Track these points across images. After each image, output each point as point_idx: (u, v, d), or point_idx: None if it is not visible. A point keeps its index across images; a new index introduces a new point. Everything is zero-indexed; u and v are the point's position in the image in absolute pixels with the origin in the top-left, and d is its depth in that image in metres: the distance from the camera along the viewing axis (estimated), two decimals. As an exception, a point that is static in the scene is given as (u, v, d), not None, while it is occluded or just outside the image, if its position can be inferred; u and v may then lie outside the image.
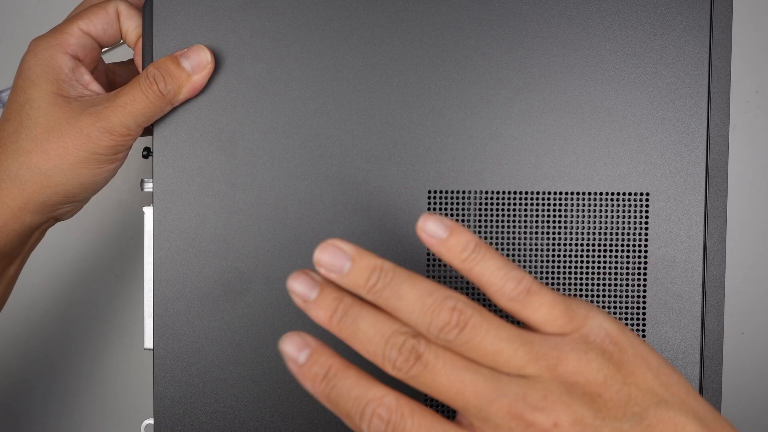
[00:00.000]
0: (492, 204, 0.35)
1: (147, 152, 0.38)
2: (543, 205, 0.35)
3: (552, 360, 0.24)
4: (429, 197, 0.35)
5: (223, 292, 0.35)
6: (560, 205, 0.35)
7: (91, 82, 0.36)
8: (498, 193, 0.35)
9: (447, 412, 0.32)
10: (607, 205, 0.35)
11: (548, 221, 0.35)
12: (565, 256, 0.35)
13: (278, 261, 0.35)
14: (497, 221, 0.35)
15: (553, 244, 0.35)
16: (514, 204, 0.35)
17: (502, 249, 0.35)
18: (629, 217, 0.35)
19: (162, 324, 0.35)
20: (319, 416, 0.35)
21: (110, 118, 0.34)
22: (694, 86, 0.35)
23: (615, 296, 0.35)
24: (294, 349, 0.25)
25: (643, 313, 0.35)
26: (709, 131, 0.35)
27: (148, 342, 0.36)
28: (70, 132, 0.34)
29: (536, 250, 0.35)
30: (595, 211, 0.35)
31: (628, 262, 0.35)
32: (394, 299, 0.25)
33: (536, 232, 0.35)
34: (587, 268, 0.35)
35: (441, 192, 0.35)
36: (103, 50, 0.51)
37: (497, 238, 0.35)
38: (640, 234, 0.35)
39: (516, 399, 0.24)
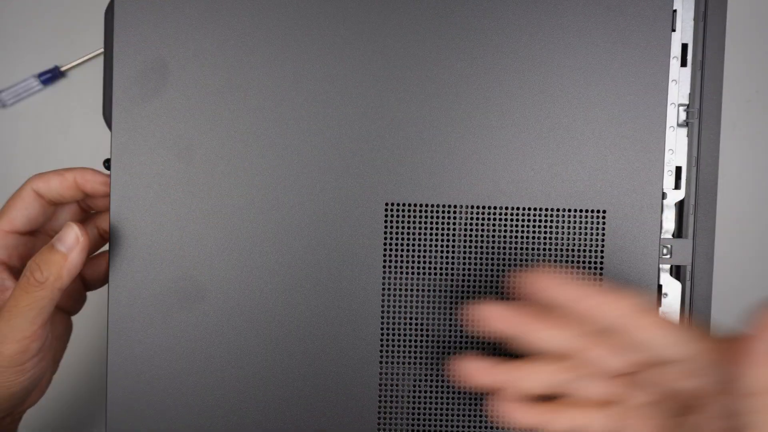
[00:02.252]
0: (448, 218, 0.35)
1: (108, 164, 0.38)
2: (499, 220, 0.35)
3: None
4: (386, 209, 0.35)
5: (178, 300, 0.35)
6: (516, 220, 0.35)
7: (9, 288, 0.36)
8: (455, 207, 0.35)
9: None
10: (563, 222, 0.35)
11: (504, 236, 0.35)
12: (521, 271, 0.35)
13: (233, 270, 0.35)
14: (454, 235, 0.35)
15: (509, 260, 0.35)
16: (471, 218, 0.35)
17: (459, 263, 0.35)
18: (586, 234, 0.35)
19: (116, 331, 0.36)
20: (271, 425, 0.35)
21: (0, 327, 0.33)
22: (654, 104, 0.35)
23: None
24: None
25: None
26: (700, 147, 0.36)
27: None
28: None
29: (492, 265, 0.35)
30: (551, 227, 0.35)
31: (583, 279, 0.35)
32: None
33: (492, 247, 0.35)
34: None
35: (398, 204, 0.35)
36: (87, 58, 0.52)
37: (454, 252, 0.35)
38: (596, 251, 0.35)
39: None
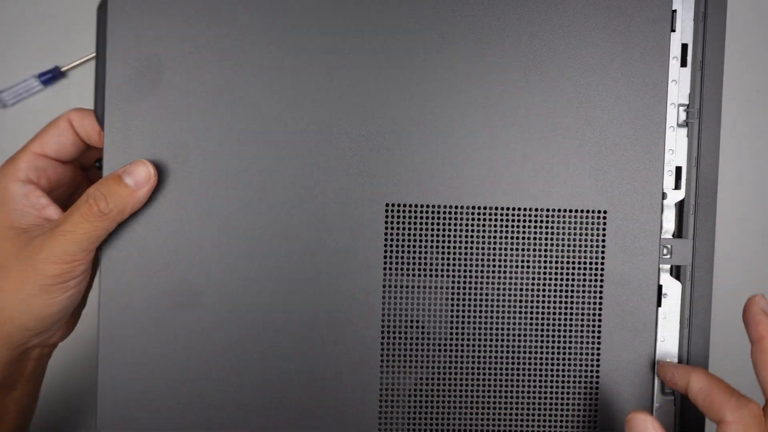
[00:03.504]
0: (449, 219, 0.35)
1: (100, 163, 0.37)
2: (500, 220, 0.35)
3: None
4: (387, 210, 0.35)
5: (173, 305, 0.35)
6: (519, 221, 0.35)
7: (46, 206, 0.36)
8: (456, 207, 0.35)
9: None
10: (565, 222, 0.35)
11: (505, 237, 0.35)
12: (522, 271, 0.35)
13: (230, 273, 0.35)
14: (455, 236, 0.35)
15: (511, 260, 0.35)
16: (472, 219, 0.35)
17: (460, 263, 0.35)
18: (587, 234, 0.35)
19: (107, 337, 0.35)
20: (272, 427, 0.35)
21: (53, 248, 0.33)
22: (654, 105, 0.35)
23: (571, 313, 0.36)
24: None
25: (599, 331, 0.36)
26: (700, 147, 0.36)
27: None
28: (16, 266, 0.34)
29: (494, 265, 0.35)
30: (553, 227, 0.35)
31: (584, 280, 0.35)
32: None
33: (494, 248, 0.35)
34: (545, 284, 0.36)
35: (399, 205, 0.35)
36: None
37: (455, 252, 0.35)
38: (596, 251, 0.35)
39: None
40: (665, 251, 0.36)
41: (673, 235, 0.37)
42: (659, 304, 0.37)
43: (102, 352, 0.35)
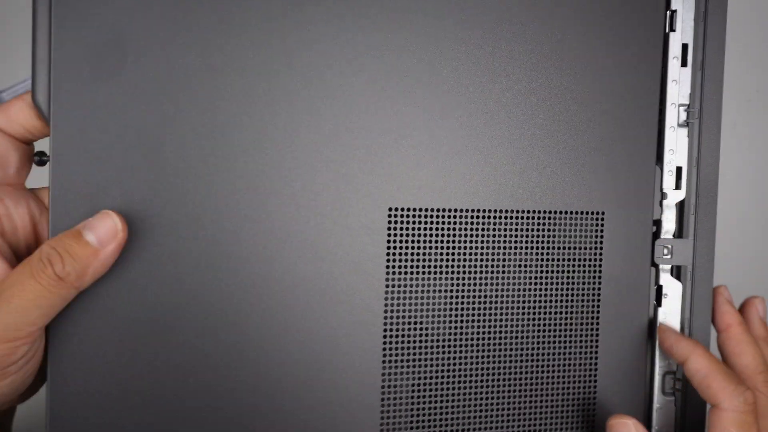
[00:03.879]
0: (452, 222, 0.35)
1: (40, 158, 0.30)
2: (501, 223, 0.35)
3: None
4: (390, 215, 0.34)
5: (136, 340, 0.29)
6: (518, 223, 0.35)
7: None
8: (459, 211, 0.35)
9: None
10: (563, 224, 0.35)
11: (505, 239, 0.35)
12: (522, 273, 0.35)
13: (226, 279, 0.32)
14: (458, 239, 0.35)
15: (513, 262, 0.35)
16: (473, 222, 0.35)
17: (462, 266, 0.35)
18: (585, 235, 0.35)
19: (57, 386, 0.28)
20: (275, 428, 0.34)
21: None
22: (648, 105, 0.35)
23: (570, 314, 0.36)
24: None
25: (597, 331, 0.36)
26: (700, 147, 0.36)
27: None
28: None
29: (496, 267, 0.35)
30: (552, 229, 0.35)
31: (583, 280, 0.35)
32: None
33: (496, 250, 0.35)
34: (544, 285, 0.36)
35: (402, 210, 0.34)
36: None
37: (459, 255, 0.35)
38: (595, 252, 0.35)
39: None
40: (665, 251, 0.37)
41: (673, 235, 0.37)
42: (659, 304, 0.37)
43: (51, 404, 0.29)
